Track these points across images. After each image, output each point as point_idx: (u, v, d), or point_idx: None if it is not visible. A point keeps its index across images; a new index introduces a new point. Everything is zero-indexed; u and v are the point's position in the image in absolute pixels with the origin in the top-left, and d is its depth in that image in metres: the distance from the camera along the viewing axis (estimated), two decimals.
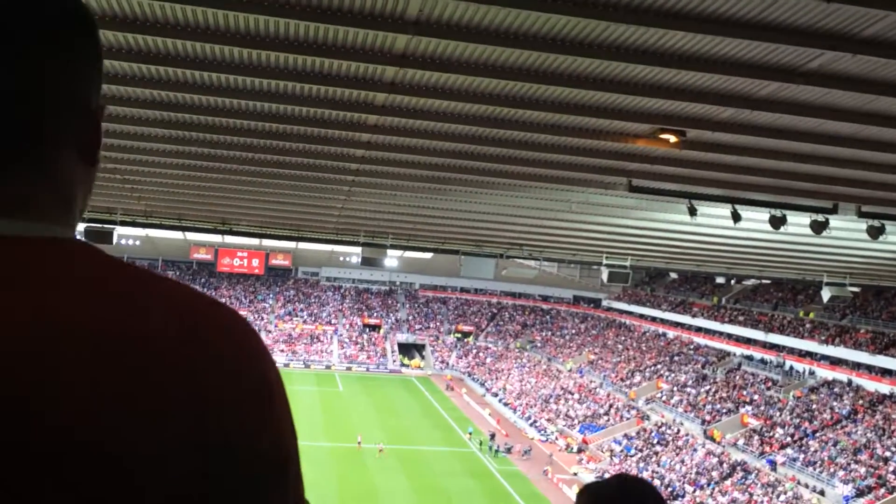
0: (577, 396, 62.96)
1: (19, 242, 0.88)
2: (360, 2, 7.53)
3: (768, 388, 53.53)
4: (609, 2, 7.12)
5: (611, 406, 59.12)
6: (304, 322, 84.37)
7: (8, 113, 0.91)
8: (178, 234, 56.98)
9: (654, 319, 74.21)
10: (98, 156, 1.03)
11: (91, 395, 0.80)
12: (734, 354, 60.94)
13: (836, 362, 51.75)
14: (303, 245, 69.27)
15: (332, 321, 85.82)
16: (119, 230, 26.03)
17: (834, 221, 15.87)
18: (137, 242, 77.47)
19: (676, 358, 64.56)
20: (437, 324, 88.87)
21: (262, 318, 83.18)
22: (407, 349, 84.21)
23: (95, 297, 0.85)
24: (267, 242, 75.76)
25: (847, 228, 17.13)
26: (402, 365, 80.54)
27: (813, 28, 7.30)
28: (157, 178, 18.66)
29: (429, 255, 64.68)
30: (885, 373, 47.76)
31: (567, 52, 8.34)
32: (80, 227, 24.87)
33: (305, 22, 7.99)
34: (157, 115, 12.24)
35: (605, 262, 30.28)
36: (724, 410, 52.34)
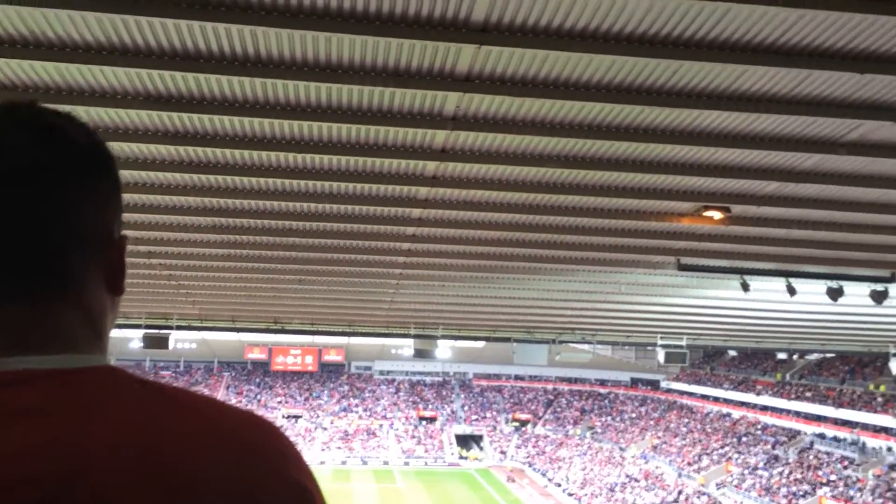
0: (643, 484, 60.58)
1: (60, 374, 0.94)
2: (399, 102, 7.80)
3: (845, 468, 50.80)
4: (642, 87, 7.24)
5: (680, 492, 56.65)
6: (360, 417, 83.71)
7: (38, 249, 0.97)
8: (232, 336, 57.77)
9: (716, 399, 71.73)
10: (123, 285, 1.08)
11: None
12: (805, 433, 58.26)
13: None
14: (355, 340, 69.53)
15: (388, 415, 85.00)
16: (175, 334, 26.56)
17: (894, 290, 15.38)
18: (193, 345, 78.64)
19: (744, 439, 61.98)
20: (494, 413, 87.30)
21: (318, 416, 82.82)
22: (464, 441, 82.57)
23: (133, 423, 0.90)
24: (319, 339, 76.20)
25: None
26: (461, 457, 78.85)
27: (849, 100, 7.28)
28: (211, 281, 19.13)
29: (481, 344, 64.19)
30: None
31: (604, 137, 8.44)
32: (139, 333, 25.53)
33: (347, 124, 8.29)
34: (209, 221, 12.65)
35: (660, 342, 29.67)
36: (801, 493, 49.68)
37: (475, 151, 9.21)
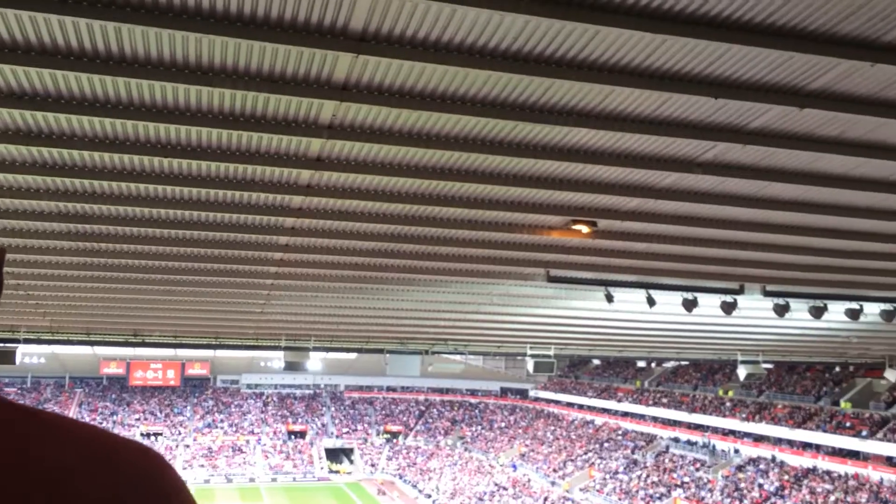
0: (511, 492, 61.86)
1: None
2: (273, 108, 7.62)
3: (697, 470, 53.93)
4: (516, 103, 7.42)
5: (545, 499, 58.25)
6: (225, 433, 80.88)
7: None
8: (86, 349, 54.51)
9: (581, 407, 74.48)
10: None
11: None
12: (661, 437, 61.46)
13: (758, 439, 52.78)
14: (221, 353, 67.23)
15: (255, 430, 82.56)
16: (22, 348, 24.76)
17: (742, 301, 16.51)
18: (42, 360, 73.68)
19: (606, 444, 64.59)
20: (365, 425, 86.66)
21: (180, 433, 79.32)
22: (335, 454, 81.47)
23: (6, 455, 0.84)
24: (182, 352, 73.22)
25: (755, 308, 17.82)
26: (331, 471, 77.73)
27: (704, 123, 7.77)
28: (63, 291, 17.97)
29: (353, 356, 63.68)
30: (805, 446, 48.90)
31: (478, 151, 8.58)
32: None
33: (218, 129, 8.00)
34: (62, 227, 11.88)
35: (529, 352, 30.43)
36: (657, 495, 52.27)
37: (351, 161, 9.14)
